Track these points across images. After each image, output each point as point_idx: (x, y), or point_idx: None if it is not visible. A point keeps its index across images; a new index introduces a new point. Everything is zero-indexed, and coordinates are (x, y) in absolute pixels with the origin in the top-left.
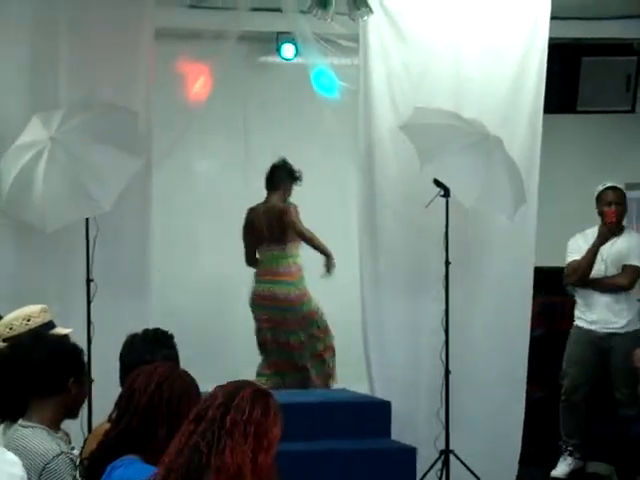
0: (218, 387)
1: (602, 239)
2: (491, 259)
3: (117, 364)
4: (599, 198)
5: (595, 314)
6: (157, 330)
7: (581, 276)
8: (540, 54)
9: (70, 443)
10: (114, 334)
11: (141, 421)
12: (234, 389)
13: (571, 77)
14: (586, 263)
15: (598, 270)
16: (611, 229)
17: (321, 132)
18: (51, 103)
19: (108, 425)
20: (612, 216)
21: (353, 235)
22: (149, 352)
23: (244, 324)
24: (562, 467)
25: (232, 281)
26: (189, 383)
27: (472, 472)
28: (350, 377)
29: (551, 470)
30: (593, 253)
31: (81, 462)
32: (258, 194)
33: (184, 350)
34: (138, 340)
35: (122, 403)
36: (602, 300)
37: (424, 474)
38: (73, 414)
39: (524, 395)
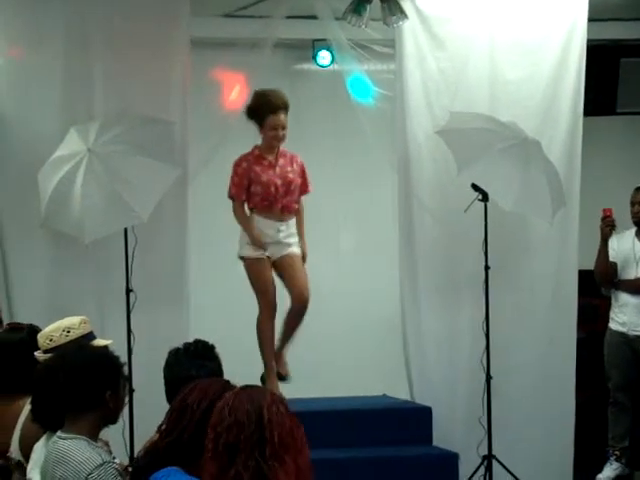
0: (230, 407)
1: (602, 238)
2: (532, 263)
3: (157, 373)
4: (631, 198)
5: (626, 316)
6: (198, 343)
7: (600, 277)
8: (578, 55)
9: (111, 453)
10: (154, 344)
11: (191, 436)
12: (253, 407)
13: (610, 79)
14: (599, 264)
15: (631, 271)
16: (607, 226)
17: (357, 138)
18: (86, 116)
19: (157, 436)
20: (609, 212)
21: (391, 242)
22: (195, 367)
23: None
24: (608, 472)
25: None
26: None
27: (515, 477)
28: (391, 383)
29: (596, 475)
30: (604, 254)
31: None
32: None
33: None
34: (181, 356)
35: (173, 416)
36: (632, 302)
37: None
38: (112, 421)
39: (573, 398)
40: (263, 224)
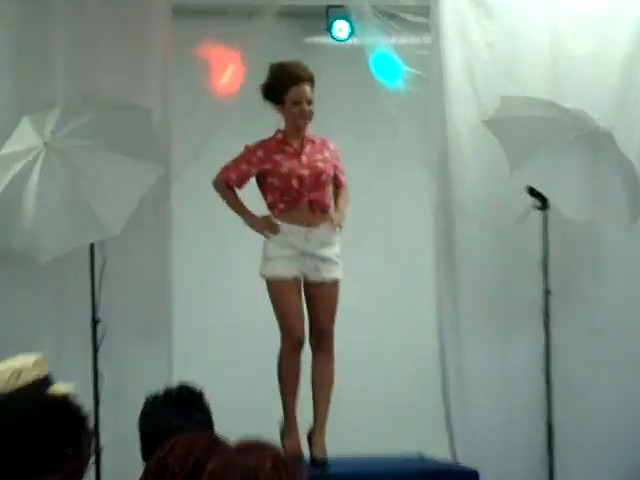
0: (220, 466)
1: None
2: (605, 285)
3: (130, 427)
4: None
5: None
6: (182, 388)
7: None
8: None
9: None
10: (127, 388)
11: None
12: (250, 469)
13: None
14: None
15: None
16: None
17: (383, 130)
18: (44, 102)
19: None
20: None
21: (426, 259)
22: (176, 417)
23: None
24: None
25: (272, 325)
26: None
27: None
28: (427, 438)
29: None
30: None
31: None
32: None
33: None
34: (160, 403)
35: None
36: None
37: None
38: None
39: None
40: (286, 229)
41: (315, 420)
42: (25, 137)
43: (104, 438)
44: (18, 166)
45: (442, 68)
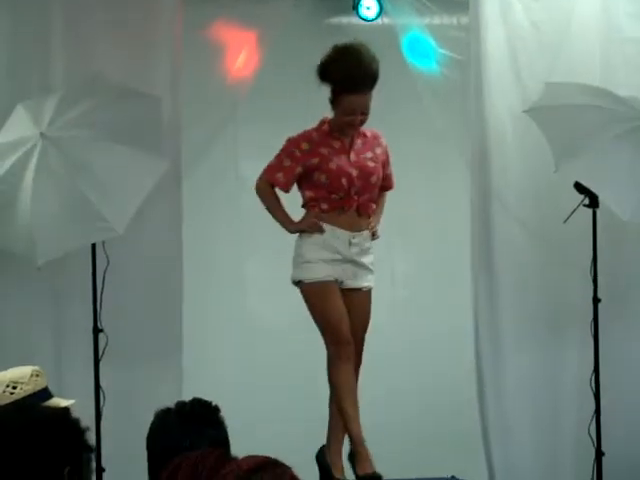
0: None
1: None
2: None
3: (136, 444)
4: None
5: None
6: (196, 402)
7: None
8: None
9: None
10: (133, 405)
11: None
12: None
13: None
14: None
15: None
16: None
17: (417, 118)
18: (41, 88)
19: None
20: None
21: (463, 263)
22: (188, 434)
23: (300, 392)
24: None
25: (292, 335)
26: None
27: None
28: (462, 461)
29: None
30: None
31: None
32: None
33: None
34: (172, 418)
35: None
36: None
37: None
38: None
39: None
40: (329, 232)
41: (351, 436)
42: (20, 126)
43: (106, 458)
44: (12, 159)
45: (481, 50)
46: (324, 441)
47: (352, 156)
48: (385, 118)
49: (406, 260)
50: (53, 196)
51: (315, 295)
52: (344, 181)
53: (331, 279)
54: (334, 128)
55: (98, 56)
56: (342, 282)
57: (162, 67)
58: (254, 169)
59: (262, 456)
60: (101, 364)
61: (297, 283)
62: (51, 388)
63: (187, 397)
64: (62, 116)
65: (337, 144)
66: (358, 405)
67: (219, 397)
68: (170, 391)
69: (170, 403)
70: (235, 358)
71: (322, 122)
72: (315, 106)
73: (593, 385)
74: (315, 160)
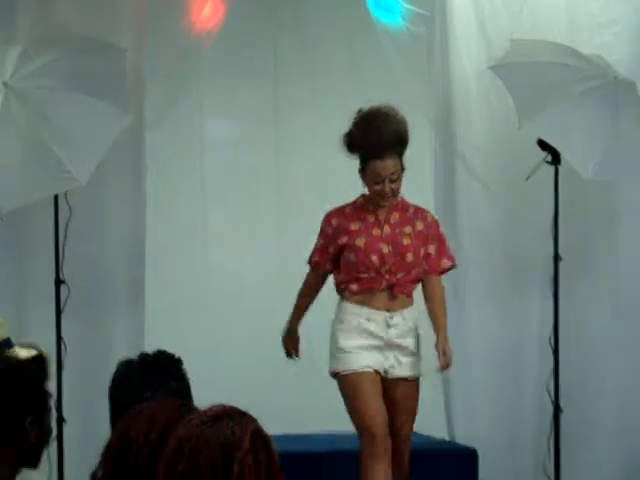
0: (192, 445)
1: None
2: (622, 251)
3: (98, 395)
4: None
5: None
6: (158, 354)
7: None
8: None
9: None
10: (94, 357)
11: None
12: (222, 453)
13: None
14: None
15: None
16: None
17: (381, 76)
18: (3, 38)
19: None
20: None
21: None
22: (150, 386)
23: (263, 346)
24: None
25: (255, 289)
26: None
27: None
28: (422, 415)
29: None
30: None
31: None
32: (292, 166)
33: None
34: (134, 370)
35: (112, 456)
36: None
37: None
38: (33, 463)
39: None
40: (363, 315)
41: None
42: None
43: (67, 409)
44: None
45: (446, 6)
46: (288, 395)
47: (386, 229)
48: (349, 74)
49: None
50: (16, 146)
51: (349, 387)
52: (374, 258)
53: (369, 370)
54: (368, 201)
55: (63, 10)
56: (386, 371)
57: (126, 20)
58: (219, 124)
59: (229, 405)
60: (63, 315)
61: (334, 375)
62: (13, 339)
63: (149, 349)
64: (26, 66)
65: (371, 218)
66: None
67: (182, 349)
68: (132, 343)
69: (132, 355)
70: (198, 311)
71: (359, 197)
72: (284, 59)
73: (552, 342)
74: (344, 239)
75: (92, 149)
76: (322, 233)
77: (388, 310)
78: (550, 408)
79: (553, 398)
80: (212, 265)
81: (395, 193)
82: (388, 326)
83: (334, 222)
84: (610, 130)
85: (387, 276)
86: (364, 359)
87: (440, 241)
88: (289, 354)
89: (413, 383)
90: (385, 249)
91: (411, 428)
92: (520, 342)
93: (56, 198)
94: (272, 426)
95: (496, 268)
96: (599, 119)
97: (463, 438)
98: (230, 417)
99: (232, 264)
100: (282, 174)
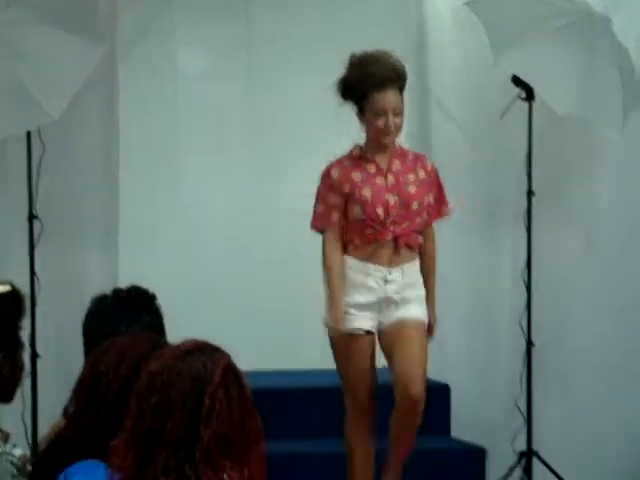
0: (163, 379)
1: None
2: (595, 188)
3: (72, 331)
4: None
5: None
6: (132, 289)
7: None
8: None
9: (7, 442)
10: (68, 292)
11: (111, 414)
12: (193, 387)
13: None
14: None
15: None
16: None
17: (353, 11)
18: None
19: (64, 422)
20: None
21: None
22: (124, 320)
23: (236, 280)
24: None
25: (227, 224)
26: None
27: None
28: None
29: None
30: None
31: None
32: (264, 97)
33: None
34: (108, 304)
35: (83, 391)
36: None
37: None
38: (6, 398)
39: None
40: (362, 270)
41: (390, 456)
42: None
43: (41, 344)
44: None
45: None
46: (260, 329)
47: (390, 179)
48: (321, 7)
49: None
50: None
51: (338, 348)
52: (380, 210)
53: (360, 332)
54: (367, 148)
55: None
56: (381, 323)
57: None
58: (192, 54)
59: (202, 340)
60: (36, 251)
61: (326, 326)
62: None
63: (123, 284)
64: None
65: (372, 168)
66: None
67: (156, 284)
68: (106, 278)
69: (106, 290)
70: (172, 245)
71: (353, 147)
72: None
73: (525, 277)
74: (347, 188)
75: (64, 83)
76: (324, 188)
77: (390, 264)
78: (523, 343)
79: (526, 334)
80: (186, 197)
81: (398, 129)
82: (386, 282)
83: (334, 173)
84: (585, 67)
85: (392, 227)
86: (357, 320)
87: (439, 189)
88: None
89: (413, 325)
90: (392, 200)
91: (417, 374)
92: (493, 278)
93: (29, 134)
94: (245, 362)
95: (470, 205)
96: (574, 55)
97: (436, 373)
98: (202, 351)
99: (204, 196)
100: (254, 104)
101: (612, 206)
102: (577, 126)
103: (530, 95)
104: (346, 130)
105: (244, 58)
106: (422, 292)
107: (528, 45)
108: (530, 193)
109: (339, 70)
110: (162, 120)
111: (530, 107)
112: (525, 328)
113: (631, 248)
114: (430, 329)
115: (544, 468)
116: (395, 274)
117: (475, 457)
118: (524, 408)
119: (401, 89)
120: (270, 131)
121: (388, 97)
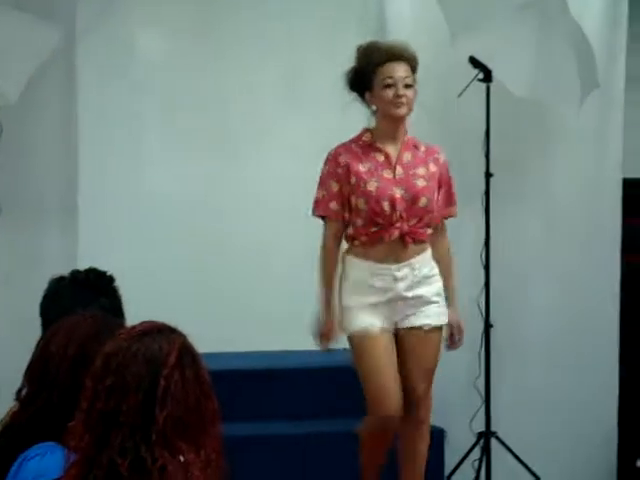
0: (119, 360)
1: None
2: (554, 169)
3: (28, 318)
4: None
5: None
6: (90, 271)
7: None
8: None
9: None
10: (25, 277)
11: (62, 396)
12: (148, 369)
13: None
14: None
15: None
16: None
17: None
18: None
19: (17, 406)
20: None
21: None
22: (81, 302)
23: (196, 263)
24: None
25: (187, 207)
26: None
27: (523, 463)
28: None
29: (636, 460)
30: None
31: None
32: (225, 80)
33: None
34: (66, 286)
35: (34, 373)
36: None
37: (456, 465)
38: None
39: (616, 355)
40: (367, 270)
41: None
42: None
43: None
44: None
45: None
46: (221, 311)
47: (398, 170)
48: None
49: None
50: None
51: (355, 348)
52: (385, 205)
53: (375, 329)
54: (379, 131)
55: None
56: (396, 323)
57: None
58: (151, 37)
59: (159, 322)
60: None
61: (348, 337)
62: None
63: (82, 266)
64: None
65: (381, 157)
66: None
67: (115, 267)
68: (65, 262)
69: (65, 272)
70: (132, 227)
71: (362, 131)
72: None
73: (483, 258)
74: (352, 179)
75: (21, 67)
76: (330, 175)
77: (396, 261)
78: (481, 324)
79: (484, 315)
80: (146, 179)
81: (410, 103)
82: (395, 280)
83: (342, 160)
84: (540, 48)
85: (398, 224)
86: (370, 318)
87: (448, 185)
88: (324, 346)
89: (429, 333)
90: (398, 193)
91: (427, 391)
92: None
93: None
94: (204, 343)
95: None
96: (531, 36)
97: None
98: (159, 332)
99: (165, 177)
100: (214, 86)
101: (570, 186)
102: (535, 107)
103: (488, 76)
104: (308, 110)
105: (204, 39)
106: (439, 284)
107: (485, 26)
108: (488, 174)
109: (299, 53)
110: (121, 101)
111: (488, 88)
112: (483, 309)
113: (590, 228)
114: (452, 339)
115: (502, 448)
116: (404, 270)
117: (434, 437)
118: (482, 389)
119: (412, 68)
120: (231, 113)
121: (398, 66)
